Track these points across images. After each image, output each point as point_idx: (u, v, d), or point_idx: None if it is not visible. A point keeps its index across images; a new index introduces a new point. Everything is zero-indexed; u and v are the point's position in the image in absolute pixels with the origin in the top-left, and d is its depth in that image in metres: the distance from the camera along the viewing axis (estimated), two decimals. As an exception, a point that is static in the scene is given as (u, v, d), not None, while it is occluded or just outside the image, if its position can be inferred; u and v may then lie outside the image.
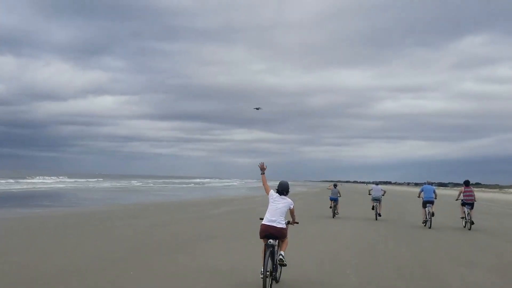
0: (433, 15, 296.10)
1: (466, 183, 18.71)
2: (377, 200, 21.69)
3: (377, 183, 23.14)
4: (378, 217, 21.21)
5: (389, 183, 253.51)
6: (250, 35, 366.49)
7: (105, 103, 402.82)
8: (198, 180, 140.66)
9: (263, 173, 8.35)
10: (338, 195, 22.85)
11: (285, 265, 7.74)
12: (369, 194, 22.66)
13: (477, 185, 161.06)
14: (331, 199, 22.62)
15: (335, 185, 23.50)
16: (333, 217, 21.71)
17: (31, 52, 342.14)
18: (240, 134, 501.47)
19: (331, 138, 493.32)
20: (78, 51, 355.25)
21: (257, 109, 50.00)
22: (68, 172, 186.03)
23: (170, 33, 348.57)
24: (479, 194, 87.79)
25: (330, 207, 22.60)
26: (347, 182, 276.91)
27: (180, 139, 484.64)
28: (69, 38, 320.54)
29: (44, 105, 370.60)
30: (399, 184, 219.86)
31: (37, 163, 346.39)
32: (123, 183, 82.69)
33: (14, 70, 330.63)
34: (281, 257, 7.61)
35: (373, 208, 21.66)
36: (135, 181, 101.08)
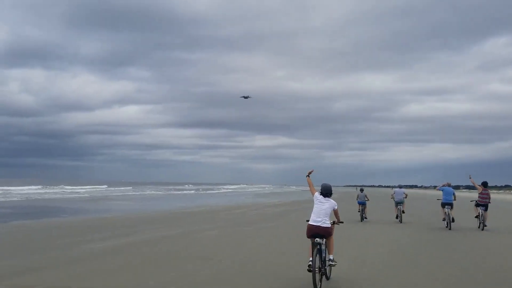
0: (456, 18, 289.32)
1: (484, 184, 18.76)
2: (400, 203, 21.94)
3: (400, 187, 23.31)
4: (402, 219, 21.52)
5: (415, 186, 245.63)
6: (272, 42, 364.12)
7: (130, 112, 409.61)
8: (227, 186, 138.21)
9: (308, 176, 9.15)
10: (366, 199, 23.11)
11: (335, 265, 8.44)
12: (391, 198, 22.84)
13: (507, 187, 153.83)
14: (359, 203, 22.89)
15: (361, 189, 23.82)
16: (361, 221, 21.96)
17: (59, 64, 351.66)
18: (263, 140, 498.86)
19: (355, 142, 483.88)
20: (104, 63, 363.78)
21: (245, 97, 46.83)
22: (98, 180, 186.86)
23: (193, 42, 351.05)
24: (506, 196, 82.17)
25: (359, 211, 22.80)
26: (371, 186, 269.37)
27: (203, 146, 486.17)
28: (95, 50, 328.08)
29: (72, 116, 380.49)
30: (425, 187, 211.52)
31: (64, 172, 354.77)
32: (163, 190, 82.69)
33: (43, 82, 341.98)
34: (330, 262, 8.34)
35: (397, 217, 21.86)
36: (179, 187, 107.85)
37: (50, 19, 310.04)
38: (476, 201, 18.74)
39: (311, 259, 7.98)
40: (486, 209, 18.44)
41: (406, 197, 22.51)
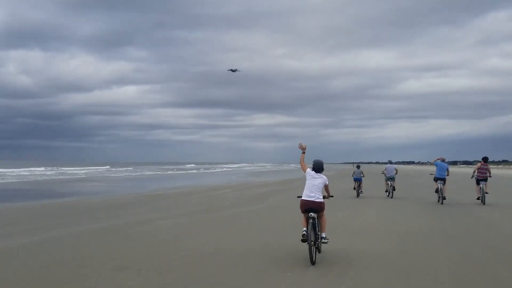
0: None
1: (485, 160, 19.05)
2: (391, 179, 22.09)
3: (391, 162, 23.67)
4: (393, 194, 21.89)
5: (413, 162, 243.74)
6: (271, 20, 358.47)
7: (129, 92, 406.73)
8: (228, 165, 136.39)
9: (303, 152, 8.91)
10: (362, 175, 23.04)
11: (327, 242, 8.50)
12: (383, 174, 23.02)
13: (504, 162, 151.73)
14: (355, 180, 22.96)
15: (358, 166, 23.72)
16: (357, 197, 22.12)
17: (57, 45, 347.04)
18: (262, 119, 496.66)
19: (354, 120, 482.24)
20: (102, 43, 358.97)
21: (233, 70, 44.25)
22: (98, 161, 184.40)
23: (191, 21, 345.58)
24: (505, 171, 79.92)
25: (354, 188, 22.94)
26: (369, 163, 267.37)
27: (203, 125, 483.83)
28: (93, 31, 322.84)
29: (70, 97, 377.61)
30: (423, 163, 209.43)
31: (64, 153, 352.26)
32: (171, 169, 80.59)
33: (41, 64, 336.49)
34: (323, 240, 8.46)
35: (386, 191, 22.24)
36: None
37: (48, 0, 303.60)
38: (477, 178, 18.88)
39: (304, 229, 8.26)
40: (485, 182, 18.68)
41: (396, 173, 22.63)
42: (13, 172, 58.56)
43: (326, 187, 8.71)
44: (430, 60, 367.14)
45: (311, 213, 8.23)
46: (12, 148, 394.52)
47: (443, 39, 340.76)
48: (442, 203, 18.48)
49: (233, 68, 37.45)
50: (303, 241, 8.14)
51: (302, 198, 8.43)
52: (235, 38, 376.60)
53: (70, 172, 65.65)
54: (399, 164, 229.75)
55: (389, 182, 22.07)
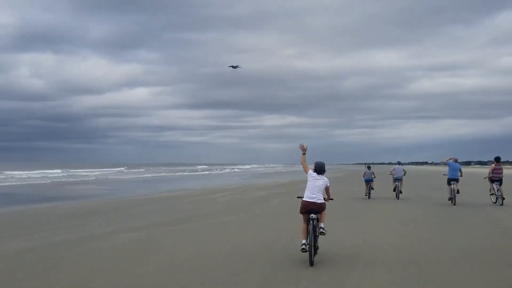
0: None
1: (497, 160, 18.72)
2: (398, 180, 21.52)
3: (399, 163, 22.92)
4: (399, 196, 21.28)
5: (425, 163, 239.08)
6: (280, 20, 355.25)
7: (140, 94, 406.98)
8: (239, 166, 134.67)
9: (304, 154, 8.79)
10: (373, 176, 22.26)
11: (326, 233, 8.36)
12: (390, 174, 22.24)
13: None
14: (366, 181, 22.22)
15: (368, 167, 23.12)
16: (369, 198, 21.37)
17: (69, 48, 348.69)
18: (272, 120, 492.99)
19: (365, 120, 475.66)
20: (113, 46, 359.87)
21: (233, 67, 42.21)
22: (109, 162, 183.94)
23: (201, 23, 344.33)
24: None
25: (366, 194, 21.92)
26: (381, 164, 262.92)
27: (213, 127, 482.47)
28: (104, 33, 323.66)
29: (82, 99, 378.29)
30: (435, 164, 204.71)
31: (76, 155, 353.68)
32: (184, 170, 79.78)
33: (53, 66, 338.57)
34: (322, 230, 8.28)
35: (394, 190, 21.66)
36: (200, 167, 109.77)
37: (59, 3, 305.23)
38: (490, 178, 18.42)
39: (304, 241, 8.05)
40: (501, 184, 18.21)
41: (405, 175, 21.94)
42: (21, 174, 57.30)
43: (327, 189, 8.58)
44: (441, 59, 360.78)
45: (312, 215, 8.10)
46: (24, 150, 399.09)
47: (455, 39, 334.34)
48: (454, 204, 17.96)
49: (234, 65, 35.64)
50: (303, 251, 7.99)
51: (304, 199, 8.28)
52: (245, 39, 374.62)
53: (81, 174, 63.88)
54: (411, 164, 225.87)
55: (397, 183, 21.43)
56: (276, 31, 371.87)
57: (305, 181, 8.53)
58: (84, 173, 65.54)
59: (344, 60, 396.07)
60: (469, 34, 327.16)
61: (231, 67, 36.68)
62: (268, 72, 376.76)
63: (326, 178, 8.48)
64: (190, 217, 14.97)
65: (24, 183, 40.83)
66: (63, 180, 47.28)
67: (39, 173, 63.11)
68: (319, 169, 8.46)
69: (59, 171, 72.23)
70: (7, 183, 39.75)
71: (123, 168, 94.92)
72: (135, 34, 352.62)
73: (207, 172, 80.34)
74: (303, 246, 7.95)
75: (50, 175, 58.09)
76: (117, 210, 17.25)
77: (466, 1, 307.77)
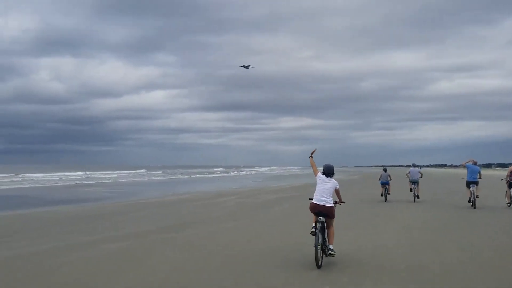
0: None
1: None
2: (415, 182, 20.85)
3: (415, 166, 22.10)
4: (416, 199, 20.60)
5: (445, 165, 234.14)
6: (296, 22, 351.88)
7: (157, 97, 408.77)
8: (257, 169, 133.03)
9: (311, 156, 8.90)
10: (389, 178, 21.69)
11: (334, 255, 8.07)
12: (407, 177, 21.66)
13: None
14: (382, 183, 21.62)
15: (384, 169, 22.24)
16: (385, 201, 20.79)
17: (88, 52, 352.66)
18: (288, 122, 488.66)
19: (383, 122, 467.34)
20: (131, 49, 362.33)
21: (245, 67, 41.00)
22: (126, 164, 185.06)
23: (217, 25, 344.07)
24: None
25: (382, 194, 21.48)
26: (399, 166, 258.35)
27: (229, 129, 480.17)
28: (122, 37, 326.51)
29: (101, 102, 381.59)
30: (455, 166, 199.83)
31: (95, 157, 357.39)
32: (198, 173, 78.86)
33: (72, 70, 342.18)
34: (330, 252, 8.02)
35: (411, 190, 21.00)
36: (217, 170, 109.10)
37: (78, 7, 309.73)
38: (508, 181, 18.11)
39: (314, 225, 8.07)
40: None
41: (421, 177, 21.33)
42: (37, 177, 57.21)
43: (337, 192, 8.44)
44: (461, 60, 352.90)
45: (320, 217, 8.00)
46: (45, 152, 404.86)
47: (474, 39, 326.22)
48: (475, 207, 17.39)
49: (246, 65, 34.39)
50: (312, 234, 8.05)
51: (313, 201, 8.23)
52: (261, 41, 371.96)
53: (100, 176, 63.56)
54: (430, 167, 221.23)
55: (413, 186, 20.80)
56: (292, 32, 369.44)
57: (311, 186, 8.19)
58: (103, 175, 65.45)
59: (362, 61, 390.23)
60: (490, 34, 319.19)
61: (243, 67, 35.43)
62: (284, 74, 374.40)
63: (335, 181, 8.33)
64: (187, 223, 13.77)
65: (36, 185, 40.37)
66: (78, 182, 46.75)
67: (57, 175, 63.15)
68: (328, 172, 8.35)
69: (80, 173, 72.50)
70: (18, 186, 39.31)
71: (142, 170, 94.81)
72: (152, 37, 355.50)
73: (222, 175, 79.42)
74: (313, 229, 8.00)
75: (68, 177, 58.02)
76: (111, 215, 16.14)
77: (486, 0, 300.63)
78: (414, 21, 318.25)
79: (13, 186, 38.23)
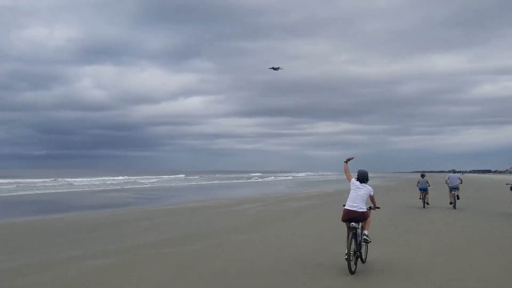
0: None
1: None
2: (454, 189, 20.22)
3: (455, 172, 21.40)
4: (456, 205, 19.91)
5: (488, 171, 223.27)
6: (333, 26, 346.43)
7: (195, 103, 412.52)
8: (293, 174, 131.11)
9: (346, 162, 8.55)
10: (427, 184, 20.90)
11: (370, 241, 8.00)
12: (446, 183, 21.00)
13: None
14: (420, 189, 20.93)
15: (422, 175, 21.53)
16: (424, 207, 20.13)
17: (128, 60, 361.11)
18: (326, 127, 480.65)
19: (424, 126, 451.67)
20: (169, 56, 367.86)
21: (274, 69, 39.36)
22: (164, 169, 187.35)
23: (254, 31, 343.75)
24: None
25: (420, 198, 20.94)
26: (440, 172, 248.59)
27: (266, 134, 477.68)
28: (161, 45, 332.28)
29: (140, 108, 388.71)
30: (500, 172, 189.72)
31: (134, 162, 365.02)
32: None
33: (113, 78, 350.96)
34: (365, 236, 7.87)
35: (450, 204, 20.11)
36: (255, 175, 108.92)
37: (119, 17, 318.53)
38: None
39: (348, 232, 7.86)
40: None
41: (461, 183, 20.66)
42: (74, 181, 57.86)
43: (371, 198, 8.32)
44: (506, 62, 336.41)
45: (353, 223, 7.75)
46: (86, 157, 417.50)
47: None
48: None
49: (275, 66, 32.90)
50: (347, 260, 7.65)
51: (345, 207, 7.99)
52: (298, 45, 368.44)
53: (139, 181, 63.41)
54: (473, 173, 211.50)
55: (453, 192, 20.02)
56: (329, 37, 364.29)
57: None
58: (142, 180, 65.50)
59: (401, 64, 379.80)
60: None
61: (272, 69, 33.96)
62: (321, 78, 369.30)
63: (369, 187, 8.18)
64: (195, 235, 12.33)
65: (70, 190, 40.37)
66: (111, 187, 46.54)
67: (98, 180, 63.80)
68: (362, 178, 8.18)
69: (121, 177, 73.17)
70: (51, 191, 39.34)
71: (181, 175, 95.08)
72: (190, 44, 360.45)
73: (259, 180, 78.03)
74: (346, 256, 7.63)
75: (108, 182, 58.33)
76: (117, 224, 14.86)
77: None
78: (455, 23, 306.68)
79: (42, 191, 38.21)
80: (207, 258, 9.07)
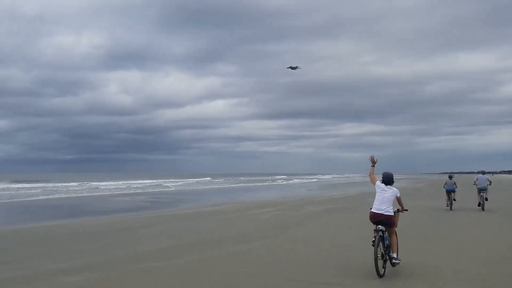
0: None
1: None
2: (483, 190, 19.50)
3: (483, 173, 20.91)
4: (485, 206, 19.13)
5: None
6: (357, 26, 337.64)
7: (218, 106, 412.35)
8: (318, 176, 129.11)
9: (373, 166, 8.37)
10: (455, 186, 20.29)
11: (398, 263, 7.75)
12: (474, 184, 20.20)
13: None
14: (447, 191, 20.25)
15: (450, 176, 20.82)
16: (451, 209, 19.52)
17: (153, 65, 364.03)
18: (351, 128, 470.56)
19: (451, 127, 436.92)
20: (193, 60, 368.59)
21: (292, 68, 37.86)
22: (190, 173, 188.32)
23: (277, 34, 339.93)
24: None
25: (447, 205, 20.10)
26: (469, 173, 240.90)
27: (289, 136, 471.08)
28: (184, 49, 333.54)
29: (165, 112, 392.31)
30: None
31: (160, 166, 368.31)
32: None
33: (138, 83, 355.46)
34: (394, 261, 7.71)
35: (479, 205, 19.49)
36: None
37: (143, 23, 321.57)
38: None
39: (374, 234, 7.72)
40: None
41: (490, 184, 20.02)
42: (99, 185, 57.82)
43: (398, 200, 8.06)
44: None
45: (379, 226, 7.60)
46: (113, 161, 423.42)
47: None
48: None
49: (293, 66, 31.64)
50: (373, 244, 7.55)
51: (372, 210, 7.84)
52: (321, 47, 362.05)
53: (164, 184, 62.97)
54: (504, 173, 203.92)
55: (482, 194, 19.41)
56: (353, 37, 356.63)
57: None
58: (167, 184, 65.05)
59: (427, 64, 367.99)
60: None
61: (290, 68, 32.65)
62: (345, 79, 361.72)
63: (395, 189, 8.02)
64: (193, 244, 11.14)
65: (94, 194, 40.02)
66: (139, 191, 46.07)
67: (123, 183, 63.65)
68: (387, 180, 8.01)
69: (148, 181, 72.93)
70: (76, 195, 39.05)
71: (208, 179, 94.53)
72: (213, 48, 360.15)
73: (284, 182, 76.58)
74: (373, 238, 7.62)
75: (135, 186, 58.09)
76: (113, 233, 13.69)
77: None
78: (484, 20, 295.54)
79: (63, 196, 37.92)
80: (193, 275, 7.84)
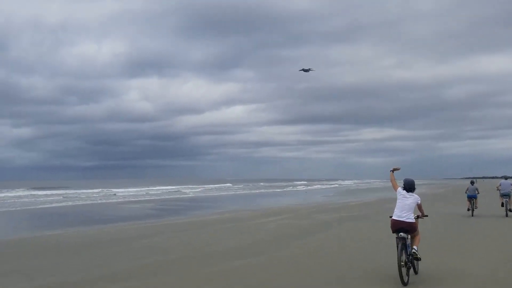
0: None
1: None
2: (506, 195, 18.77)
3: (506, 178, 19.77)
4: (508, 213, 18.51)
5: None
6: (377, 31, 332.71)
7: (237, 112, 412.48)
8: (339, 182, 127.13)
9: (392, 171, 8.35)
10: (477, 192, 19.66)
11: (419, 259, 7.64)
12: (497, 190, 19.46)
13: None
14: (469, 197, 19.55)
15: (472, 182, 20.45)
16: (472, 215, 18.87)
17: (172, 72, 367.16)
18: (371, 133, 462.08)
19: (475, 131, 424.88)
20: (211, 67, 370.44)
21: (305, 70, 36.37)
22: (214, 178, 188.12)
23: (295, 39, 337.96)
24: None
25: (468, 209, 19.45)
26: (493, 178, 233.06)
27: (309, 142, 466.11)
28: (203, 56, 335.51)
29: (184, 119, 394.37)
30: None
31: (179, 172, 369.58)
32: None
33: (158, 90, 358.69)
34: (414, 251, 7.57)
35: (502, 205, 18.90)
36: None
37: (162, 31, 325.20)
38: None
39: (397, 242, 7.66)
40: None
41: None
42: (116, 191, 57.53)
43: (419, 206, 7.97)
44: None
45: (401, 233, 7.48)
46: (134, 167, 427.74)
47: None
48: None
49: (306, 68, 30.38)
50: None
51: (393, 218, 7.71)
52: (340, 52, 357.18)
53: (183, 190, 62.27)
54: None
55: (505, 199, 18.95)
56: (372, 41, 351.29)
57: (394, 200, 8.03)
58: (185, 190, 64.36)
59: (448, 67, 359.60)
60: None
61: (302, 71, 31.44)
62: (365, 84, 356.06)
63: (416, 196, 7.86)
64: (172, 261, 9.89)
65: (109, 200, 39.42)
66: (154, 198, 45.37)
67: (142, 190, 63.15)
68: (409, 187, 7.85)
69: (170, 187, 72.43)
70: (94, 201, 38.51)
71: (228, 184, 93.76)
72: (231, 54, 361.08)
73: (304, 188, 75.08)
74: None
75: (154, 192, 57.53)
76: (102, 245, 12.55)
77: None
78: (504, 22, 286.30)
79: (81, 202, 37.38)
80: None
